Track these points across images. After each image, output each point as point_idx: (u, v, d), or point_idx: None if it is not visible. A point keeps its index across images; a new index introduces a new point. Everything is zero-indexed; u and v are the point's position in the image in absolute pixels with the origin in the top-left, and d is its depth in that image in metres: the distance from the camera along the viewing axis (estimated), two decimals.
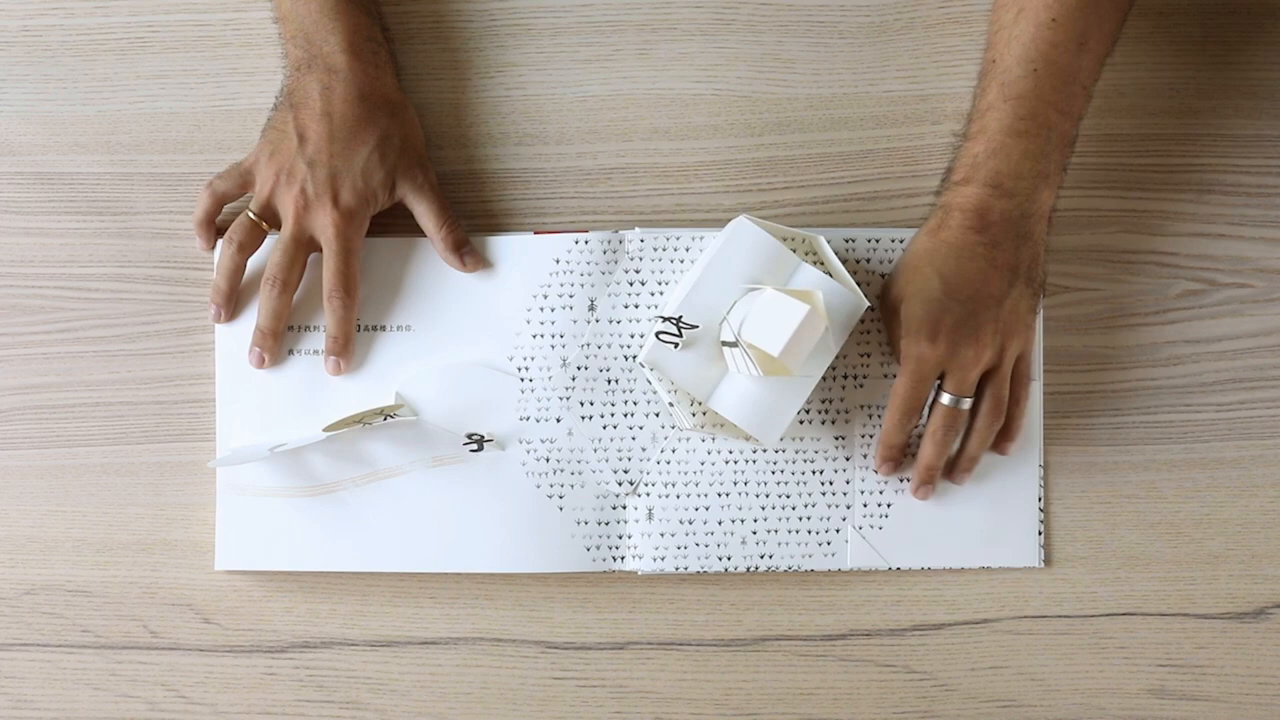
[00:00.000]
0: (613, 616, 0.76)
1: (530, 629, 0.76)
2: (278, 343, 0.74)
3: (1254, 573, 0.76)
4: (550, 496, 0.74)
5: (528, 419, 0.74)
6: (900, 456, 0.73)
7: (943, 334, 0.68)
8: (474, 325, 0.75)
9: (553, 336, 0.74)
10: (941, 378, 0.70)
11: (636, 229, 0.74)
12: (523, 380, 0.74)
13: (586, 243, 0.74)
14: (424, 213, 0.73)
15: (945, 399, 0.70)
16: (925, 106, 0.76)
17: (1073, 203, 0.76)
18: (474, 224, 0.76)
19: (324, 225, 0.71)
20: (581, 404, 0.74)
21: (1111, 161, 0.76)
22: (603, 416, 0.74)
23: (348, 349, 0.74)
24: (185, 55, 0.77)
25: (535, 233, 0.75)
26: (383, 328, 0.75)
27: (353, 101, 0.70)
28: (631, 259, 0.74)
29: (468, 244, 0.74)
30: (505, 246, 0.75)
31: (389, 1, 0.76)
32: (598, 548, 0.74)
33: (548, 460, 0.74)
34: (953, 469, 0.74)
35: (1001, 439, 0.73)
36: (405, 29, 0.77)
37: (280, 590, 0.76)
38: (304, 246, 0.72)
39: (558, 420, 0.74)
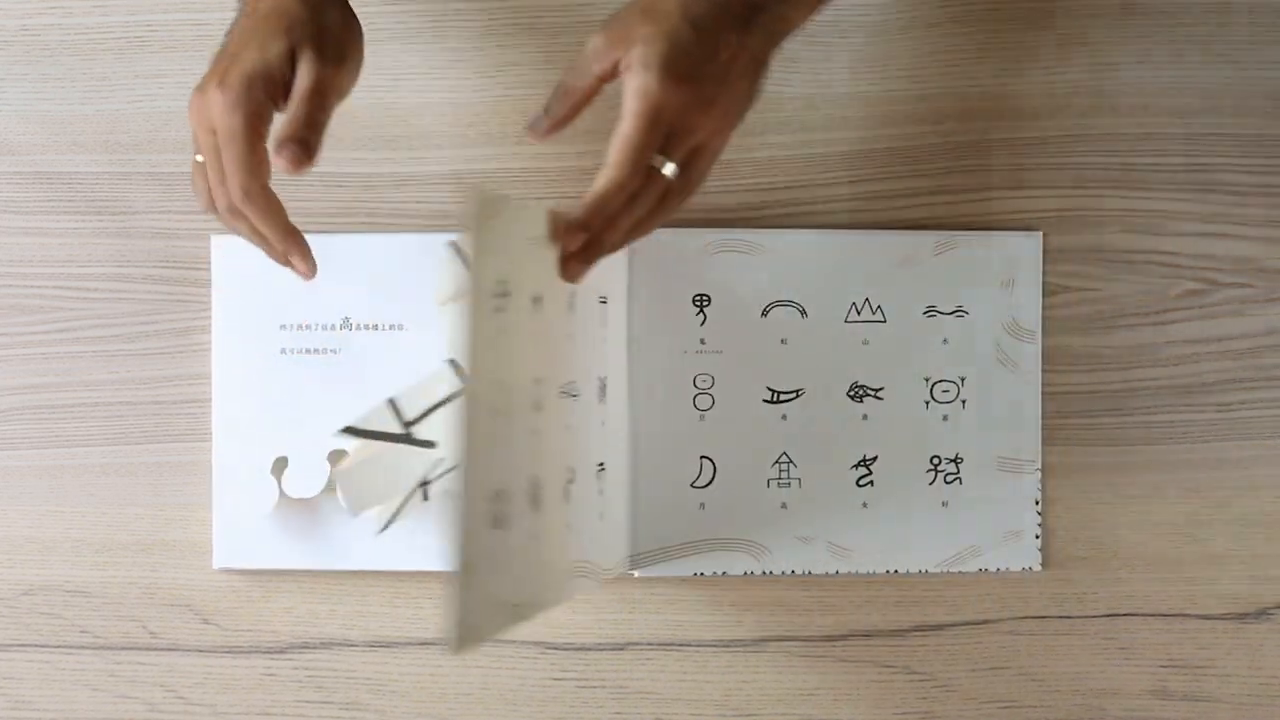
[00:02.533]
0: (613, 616, 0.76)
1: (530, 629, 0.76)
2: (285, 231, 0.66)
3: (1256, 573, 0.76)
4: None
5: None
6: (599, 231, 0.61)
7: (688, 83, 0.59)
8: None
9: None
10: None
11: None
12: None
13: None
14: (305, 102, 0.62)
15: (656, 159, 0.61)
16: (925, 106, 0.76)
17: (1073, 203, 0.76)
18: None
19: (215, 105, 0.62)
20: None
21: (1111, 161, 0.76)
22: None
23: (292, 243, 0.66)
24: (184, 55, 0.76)
25: None
26: (375, 327, 0.75)
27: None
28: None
29: (295, 145, 0.61)
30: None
31: (389, 1, 0.76)
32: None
33: None
34: (589, 244, 0.62)
35: (637, 228, 0.63)
36: (405, 29, 0.76)
37: (280, 590, 0.76)
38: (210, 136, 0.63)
39: None
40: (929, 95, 0.76)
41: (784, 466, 0.75)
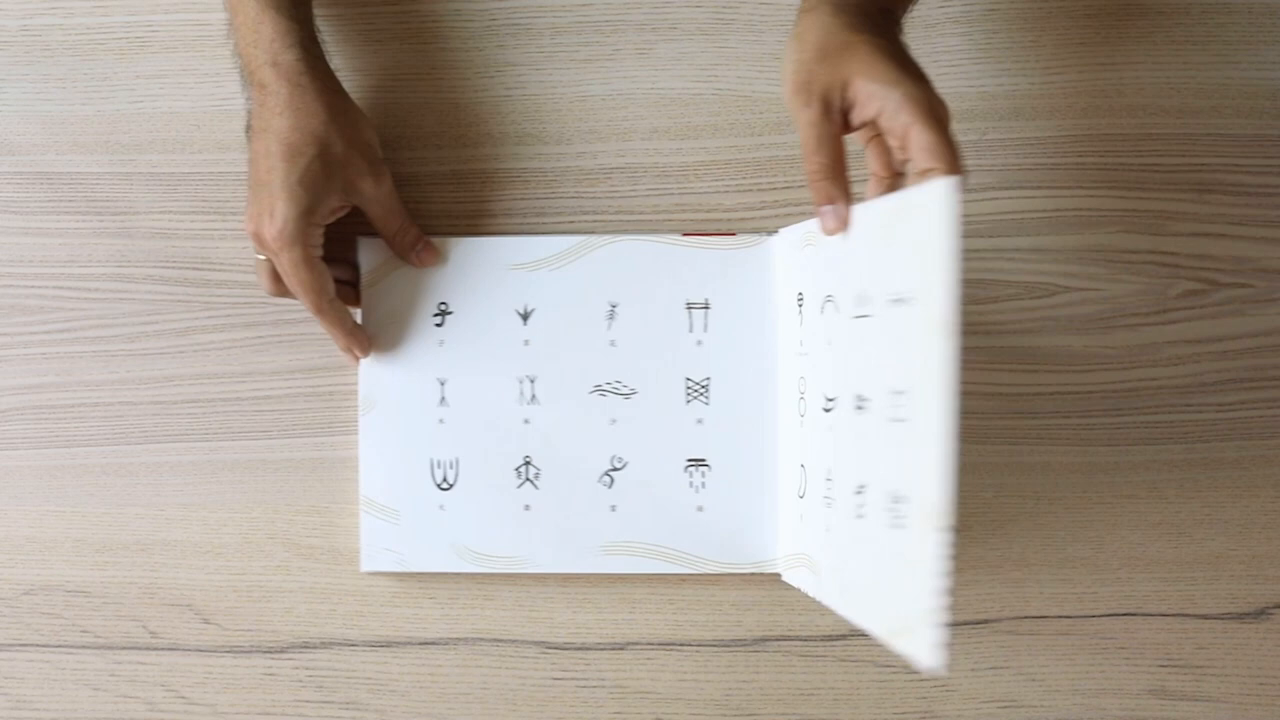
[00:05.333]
0: (613, 616, 0.76)
1: (530, 629, 0.76)
2: (346, 338, 0.73)
3: (1255, 573, 0.76)
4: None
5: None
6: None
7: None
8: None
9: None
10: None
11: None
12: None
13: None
14: (376, 218, 0.73)
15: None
16: None
17: (1073, 203, 0.76)
18: (473, 224, 0.76)
19: (268, 244, 0.69)
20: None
21: (1111, 161, 0.76)
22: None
23: (353, 343, 0.73)
24: (185, 55, 0.76)
25: (684, 234, 0.75)
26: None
27: (286, 114, 0.68)
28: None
29: (422, 241, 0.74)
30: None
31: (390, 1, 0.76)
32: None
33: None
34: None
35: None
36: (405, 29, 0.76)
37: (280, 590, 0.76)
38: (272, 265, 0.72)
39: None
40: None
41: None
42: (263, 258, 0.71)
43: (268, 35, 0.68)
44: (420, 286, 0.75)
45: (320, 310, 0.71)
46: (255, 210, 0.69)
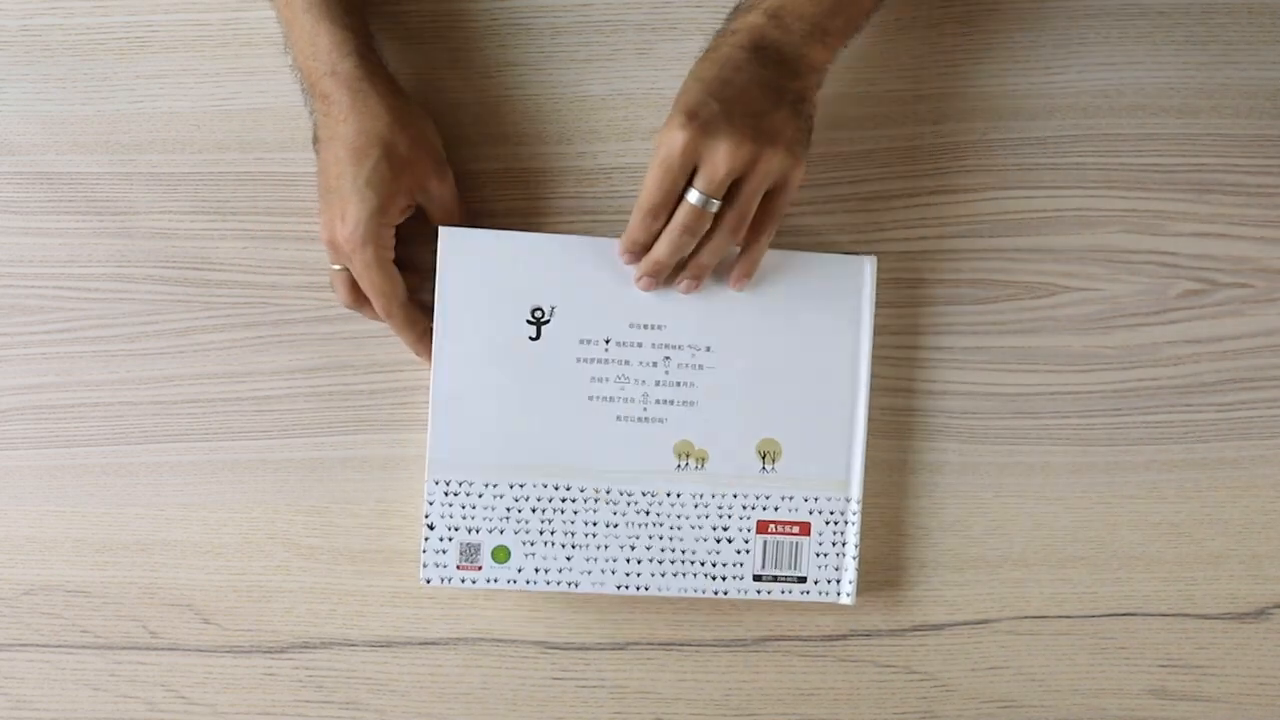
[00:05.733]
0: (613, 616, 0.76)
1: (530, 629, 0.76)
2: (415, 342, 0.74)
3: (1255, 573, 0.76)
4: None
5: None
6: (641, 253, 0.71)
7: (697, 122, 0.65)
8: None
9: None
10: (692, 176, 0.67)
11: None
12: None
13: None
14: (439, 219, 0.73)
15: (692, 195, 0.67)
16: (925, 106, 0.76)
17: (1073, 203, 0.76)
18: (473, 224, 0.76)
19: (341, 247, 0.70)
20: None
21: (1111, 161, 0.76)
22: None
23: (419, 349, 0.74)
24: (185, 55, 0.76)
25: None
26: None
27: (349, 120, 0.69)
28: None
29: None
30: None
31: (390, 0, 0.76)
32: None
33: None
34: (680, 271, 0.72)
35: (737, 266, 0.72)
36: (405, 29, 0.76)
37: (280, 590, 0.76)
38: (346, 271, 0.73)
39: None
40: (929, 95, 0.76)
41: None
42: (337, 268, 0.72)
43: (325, 46, 0.69)
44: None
45: (390, 314, 0.72)
46: (328, 217, 0.70)
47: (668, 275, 0.72)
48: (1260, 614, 0.76)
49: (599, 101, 0.77)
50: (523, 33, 0.77)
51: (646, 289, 0.72)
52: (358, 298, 0.73)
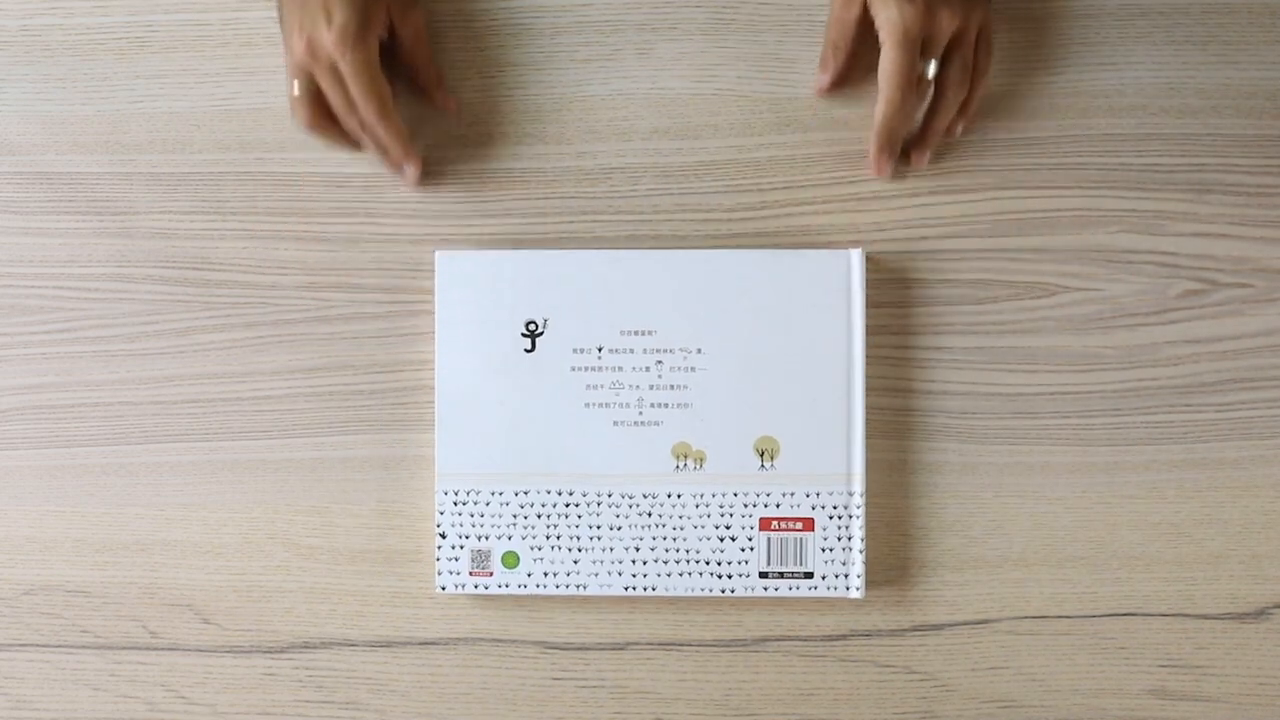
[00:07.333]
0: (613, 616, 0.76)
1: (530, 629, 0.76)
2: (406, 146, 0.73)
3: (1255, 573, 0.76)
4: None
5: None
6: (898, 145, 0.74)
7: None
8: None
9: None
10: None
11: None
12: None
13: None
14: (409, 48, 0.72)
15: (928, 66, 0.71)
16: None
17: (1073, 203, 0.76)
18: (472, 224, 0.76)
19: (324, 51, 0.68)
20: None
21: (1111, 161, 0.76)
22: None
23: (409, 155, 0.73)
24: (185, 55, 0.76)
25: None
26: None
27: None
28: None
29: (444, 82, 0.75)
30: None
31: None
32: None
33: None
34: (915, 145, 0.75)
35: (959, 115, 0.74)
36: None
37: (280, 590, 0.76)
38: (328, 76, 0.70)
39: None
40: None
41: None
42: (298, 93, 0.70)
43: None
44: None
45: (384, 116, 0.70)
46: (304, 21, 0.68)
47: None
48: (1260, 614, 0.76)
49: (599, 101, 0.77)
50: (523, 33, 0.77)
51: (883, 173, 0.74)
52: (322, 116, 0.71)
